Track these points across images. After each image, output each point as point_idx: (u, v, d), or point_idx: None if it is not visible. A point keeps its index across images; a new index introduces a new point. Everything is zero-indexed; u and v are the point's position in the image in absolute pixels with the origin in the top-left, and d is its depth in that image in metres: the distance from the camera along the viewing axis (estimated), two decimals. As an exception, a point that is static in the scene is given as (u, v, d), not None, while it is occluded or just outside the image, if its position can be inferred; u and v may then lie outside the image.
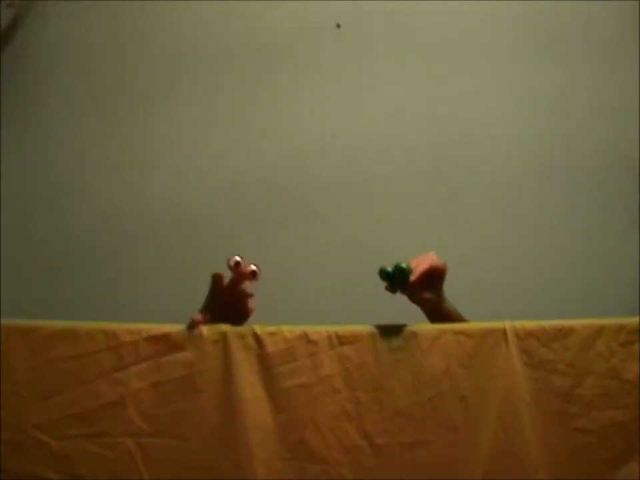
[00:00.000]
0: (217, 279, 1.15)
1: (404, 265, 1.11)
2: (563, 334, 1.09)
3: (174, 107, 1.77)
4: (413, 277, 1.11)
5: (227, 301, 1.15)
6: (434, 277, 1.15)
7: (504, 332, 1.09)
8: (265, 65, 1.77)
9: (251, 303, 1.18)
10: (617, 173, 1.74)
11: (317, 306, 1.60)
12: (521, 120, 1.77)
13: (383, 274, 1.12)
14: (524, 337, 1.09)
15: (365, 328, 1.08)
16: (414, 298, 1.15)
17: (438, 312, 1.17)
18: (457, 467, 1.07)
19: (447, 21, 1.79)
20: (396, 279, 1.12)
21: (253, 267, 1.13)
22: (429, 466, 1.06)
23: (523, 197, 1.75)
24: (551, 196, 1.75)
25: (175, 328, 1.06)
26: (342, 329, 1.07)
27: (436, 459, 1.06)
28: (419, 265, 1.12)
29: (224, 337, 1.05)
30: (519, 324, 1.10)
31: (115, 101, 1.77)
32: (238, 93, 1.77)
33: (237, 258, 1.13)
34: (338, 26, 1.76)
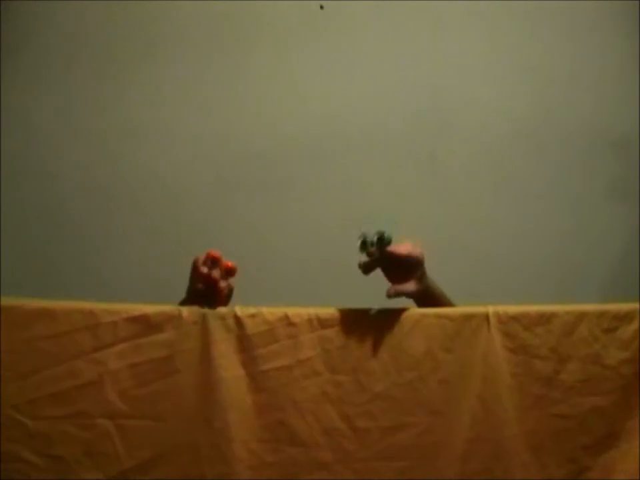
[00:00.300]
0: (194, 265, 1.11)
1: (385, 233, 1.07)
2: (545, 319, 1.09)
3: (155, 74, 1.75)
4: (390, 248, 1.07)
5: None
6: (412, 264, 1.12)
7: (486, 316, 1.08)
8: (246, 38, 1.76)
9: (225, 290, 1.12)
10: (600, 143, 1.74)
11: (296, 273, 1.59)
12: (504, 88, 1.78)
13: (362, 241, 1.08)
14: (506, 321, 1.08)
15: (346, 310, 1.07)
16: (398, 293, 1.11)
17: (424, 299, 1.14)
18: (437, 450, 1.06)
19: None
20: (374, 244, 1.07)
21: (230, 264, 1.09)
22: (409, 449, 1.06)
23: (505, 166, 1.75)
24: (533, 166, 1.75)
25: (154, 309, 1.04)
26: (323, 311, 1.06)
27: (416, 442, 1.06)
28: (400, 245, 1.10)
29: (203, 317, 1.04)
30: (501, 308, 1.09)
31: (96, 66, 1.75)
32: (219, 61, 1.76)
33: (217, 254, 1.09)
34: (321, 7, 1.74)
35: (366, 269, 1.10)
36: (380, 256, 1.09)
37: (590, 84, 1.75)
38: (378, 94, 1.75)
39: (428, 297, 1.14)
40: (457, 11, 1.76)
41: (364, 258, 1.09)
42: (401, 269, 1.11)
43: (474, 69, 1.76)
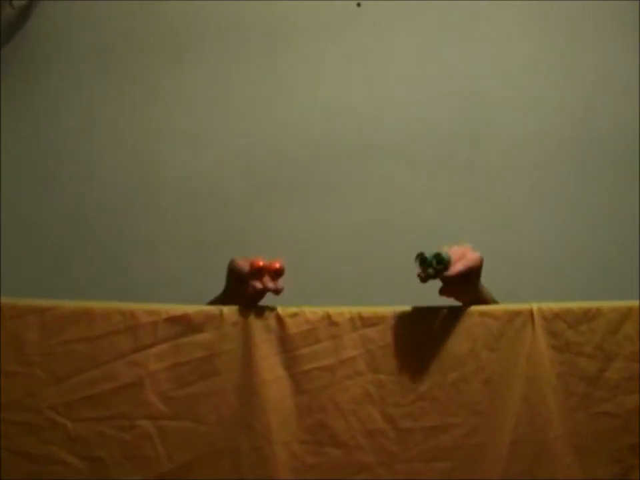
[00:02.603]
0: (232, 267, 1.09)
1: (444, 254, 1.03)
2: (590, 316, 1.07)
3: (185, 76, 1.73)
4: (449, 272, 1.04)
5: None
6: (471, 274, 1.08)
7: (530, 313, 1.06)
8: (278, 38, 1.73)
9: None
10: (636, 148, 1.72)
11: (332, 277, 1.58)
12: (539, 92, 1.75)
13: (420, 259, 1.04)
14: (551, 318, 1.06)
15: (388, 309, 1.05)
16: (451, 294, 1.09)
17: (474, 302, 1.11)
18: (480, 452, 1.05)
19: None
20: (432, 266, 1.04)
21: (277, 265, 1.06)
22: (453, 450, 1.04)
23: (542, 171, 1.73)
24: (570, 170, 1.73)
25: (195, 308, 1.03)
26: (365, 310, 1.05)
27: (460, 443, 1.04)
28: (456, 262, 1.05)
29: (244, 318, 1.03)
30: (545, 306, 1.07)
31: (125, 69, 1.73)
32: (249, 63, 1.74)
33: (261, 263, 1.05)
34: (358, 5, 1.72)
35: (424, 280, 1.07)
36: (441, 278, 1.05)
37: (626, 90, 1.72)
38: (415, 99, 1.72)
39: (478, 301, 1.11)
40: (493, 13, 1.74)
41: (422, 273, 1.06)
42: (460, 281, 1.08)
43: (511, 72, 1.74)
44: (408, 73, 1.73)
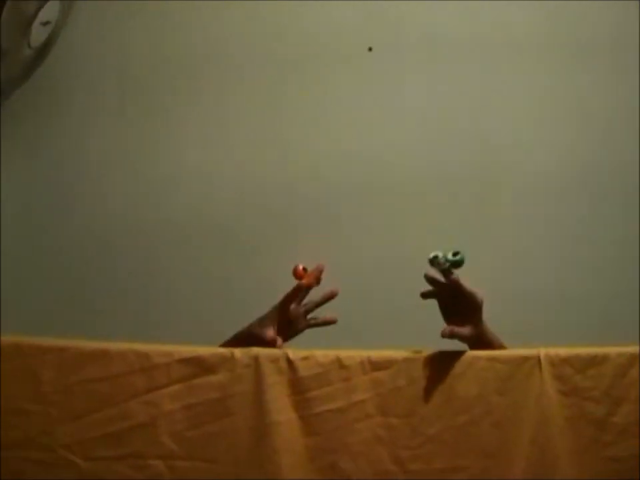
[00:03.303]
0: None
1: (462, 256, 1.08)
2: (597, 361, 1.08)
3: (197, 113, 1.77)
4: (455, 278, 1.09)
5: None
6: (470, 305, 1.12)
7: (538, 359, 1.07)
8: (291, 78, 1.77)
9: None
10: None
11: (342, 316, 1.58)
12: (549, 127, 1.77)
13: (434, 256, 1.09)
14: (558, 363, 1.07)
15: (398, 353, 1.07)
16: (453, 335, 1.11)
17: (479, 344, 1.13)
18: (490, 494, 1.05)
19: (475, 33, 1.78)
20: (449, 261, 1.08)
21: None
22: (463, 493, 1.05)
23: (551, 206, 1.74)
24: (580, 205, 1.74)
25: (208, 350, 1.05)
26: (375, 354, 1.06)
27: (469, 486, 1.05)
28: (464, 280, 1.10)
29: (256, 360, 1.04)
30: (552, 351, 1.08)
31: (137, 105, 1.78)
32: (263, 102, 1.78)
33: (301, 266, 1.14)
34: (370, 49, 1.75)
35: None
36: (447, 280, 1.10)
37: (634, 123, 1.74)
38: (425, 139, 1.75)
39: (483, 342, 1.13)
40: (501, 53, 1.78)
41: (431, 272, 1.11)
42: (460, 307, 1.12)
43: (519, 110, 1.77)
44: (418, 115, 1.76)
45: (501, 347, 1.16)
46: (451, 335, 1.09)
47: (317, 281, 1.17)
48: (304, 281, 1.15)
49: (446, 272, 1.10)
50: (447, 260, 1.08)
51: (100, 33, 1.78)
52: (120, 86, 1.77)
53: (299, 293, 1.16)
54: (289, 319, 1.17)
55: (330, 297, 1.21)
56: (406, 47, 1.78)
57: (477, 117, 1.77)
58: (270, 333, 1.13)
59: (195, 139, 1.76)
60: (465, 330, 1.11)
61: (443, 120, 1.77)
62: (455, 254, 1.09)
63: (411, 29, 1.78)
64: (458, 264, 1.09)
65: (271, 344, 1.12)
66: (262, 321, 1.16)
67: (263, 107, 1.77)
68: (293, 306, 1.17)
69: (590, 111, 1.78)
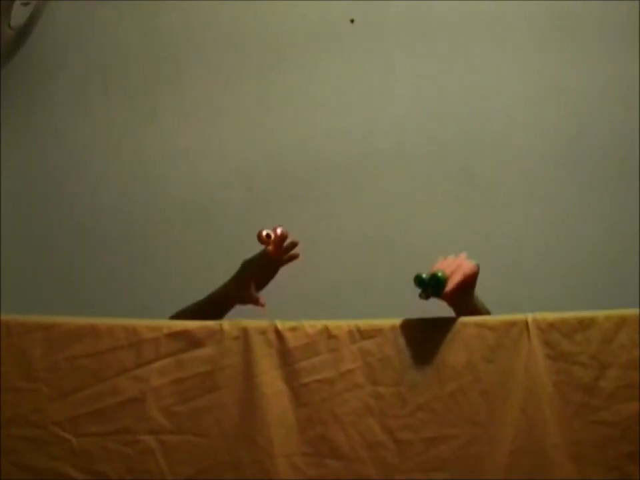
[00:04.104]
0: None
1: (440, 274, 1.08)
2: (584, 326, 1.08)
3: (185, 94, 1.77)
4: (448, 288, 1.08)
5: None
6: (468, 284, 1.12)
7: (526, 324, 1.07)
8: (274, 56, 1.77)
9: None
10: (633, 159, 1.73)
11: (331, 289, 1.59)
12: (535, 104, 1.78)
13: (418, 281, 1.09)
14: (546, 328, 1.08)
15: (386, 322, 1.07)
16: (449, 304, 1.13)
17: (468, 311, 1.14)
18: (479, 462, 1.05)
19: (461, 9, 1.78)
20: (431, 286, 1.08)
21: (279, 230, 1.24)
22: (452, 461, 1.05)
23: (538, 182, 1.75)
24: (566, 181, 1.75)
25: (196, 324, 1.05)
26: (363, 323, 1.06)
27: (458, 454, 1.05)
28: (453, 274, 1.09)
29: (245, 332, 1.04)
30: (540, 316, 1.08)
31: (126, 88, 1.77)
32: (247, 81, 1.78)
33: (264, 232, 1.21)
34: (352, 21, 1.75)
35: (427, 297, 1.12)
36: (440, 297, 1.10)
37: (624, 100, 1.75)
38: (411, 114, 1.75)
39: (472, 309, 1.13)
40: (488, 28, 1.77)
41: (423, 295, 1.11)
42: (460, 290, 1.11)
43: (506, 87, 1.77)
44: (402, 88, 1.76)
45: (487, 313, 1.17)
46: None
47: (281, 247, 1.27)
48: (269, 248, 1.24)
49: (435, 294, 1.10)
50: (432, 288, 1.08)
51: (82, 13, 1.77)
52: (103, 67, 1.77)
53: (265, 259, 1.25)
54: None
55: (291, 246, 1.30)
56: (392, 21, 1.77)
57: (466, 93, 1.77)
58: (253, 292, 1.21)
59: (180, 120, 1.76)
60: (461, 301, 1.12)
61: (431, 96, 1.77)
62: (436, 280, 1.08)
63: (399, 2, 1.77)
64: (443, 285, 1.08)
65: (256, 302, 1.20)
66: (238, 282, 1.24)
67: (247, 86, 1.76)
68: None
69: (579, 89, 1.78)
